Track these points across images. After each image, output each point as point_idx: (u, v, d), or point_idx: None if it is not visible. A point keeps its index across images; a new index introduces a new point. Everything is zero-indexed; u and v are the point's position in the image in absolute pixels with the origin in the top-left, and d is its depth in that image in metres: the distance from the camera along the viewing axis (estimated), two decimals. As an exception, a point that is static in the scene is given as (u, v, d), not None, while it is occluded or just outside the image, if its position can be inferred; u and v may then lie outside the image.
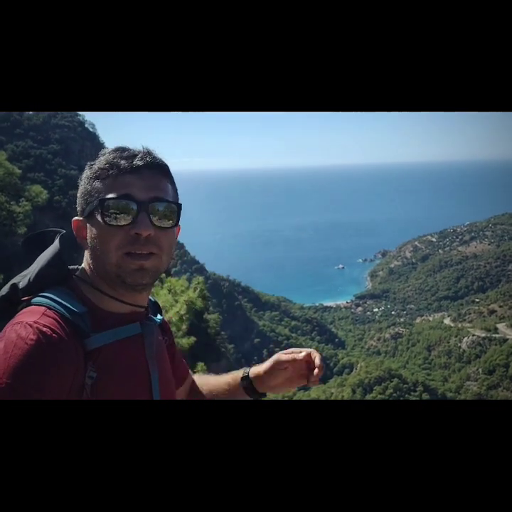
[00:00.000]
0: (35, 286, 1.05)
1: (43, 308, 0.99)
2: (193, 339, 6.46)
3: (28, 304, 1.02)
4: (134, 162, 1.04)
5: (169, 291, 5.93)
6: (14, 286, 1.06)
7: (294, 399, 49.80)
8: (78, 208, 1.10)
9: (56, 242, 1.10)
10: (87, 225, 1.07)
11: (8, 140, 41.81)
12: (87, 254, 1.10)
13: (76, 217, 1.10)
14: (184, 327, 5.68)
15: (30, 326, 0.93)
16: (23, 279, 1.07)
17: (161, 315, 1.28)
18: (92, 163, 1.08)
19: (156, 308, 1.30)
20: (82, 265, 1.12)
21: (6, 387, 0.86)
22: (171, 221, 1.07)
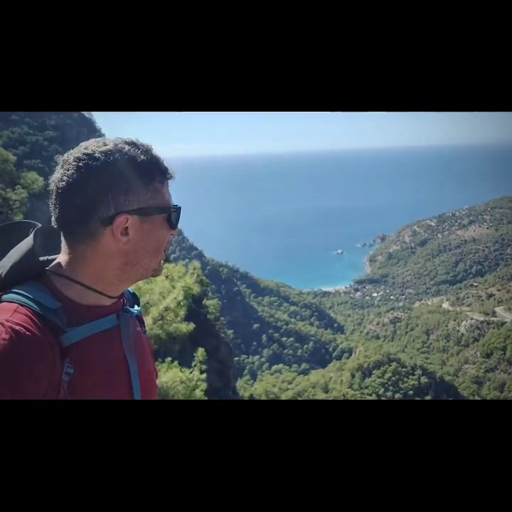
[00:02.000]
0: (7, 282, 1.01)
1: (15, 305, 0.96)
2: (192, 326, 6.46)
3: (0, 300, 0.99)
4: (170, 173, 1.10)
5: (167, 277, 5.93)
6: None
7: (294, 383, 50.22)
8: (128, 203, 1.03)
9: (30, 237, 1.06)
10: (137, 223, 1.04)
11: (4, 126, 41.47)
12: (119, 250, 1.05)
13: (126, 214, 1.03)
14: (182, 313, 5.68)
15: (2, 324, 0.90)
16: None
17: (139, 306, 1.26)
18: (144, 159, 1.05)
19: (134, 299, 1.28)
20: (59, 259, 1.08)
21: None
22: None
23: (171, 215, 1.09)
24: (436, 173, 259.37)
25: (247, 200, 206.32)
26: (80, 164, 0.99)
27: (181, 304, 5.65)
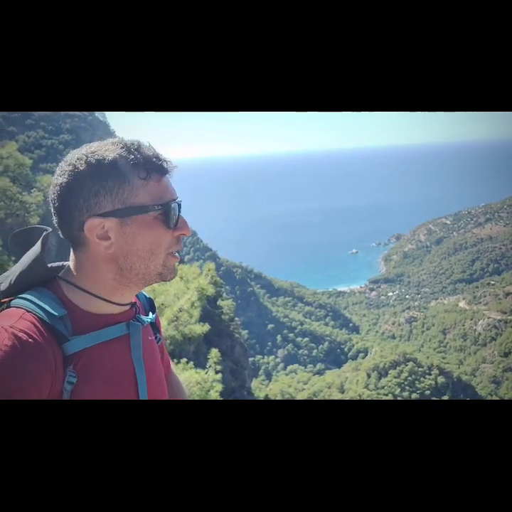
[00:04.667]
0: (16, 288, 1.01)
1: (22, 311, 0.96)
2: (207, 327, 6.45)
3: (8, 305, 0.99)
4: (168, 165, 1.03)
5: (181, 278, 5.95)
6: None
7: (309, 383, 50.04)
8: (100, 206, 0.99)
9: (38, 242, 1.05)
10: (120, 225, 1.00)
11: (20, 131, 42.01)
12: (105, 255, 1.02)
13: (99, 218, 0.99)
14: (196, 314, 5.68)
15: (6, 330, 0.90)
16: (5, 280, 1.04)
17: (154, 312, 1.24)
18: (118, 157, 0.99)
19: (150, 305, 1.26)
20: (69, 265, 1.07)
21: None
22: None
23: (163, 212, 1.01)
24: (452, 171, 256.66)
25: (260, 200, 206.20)
26: (58, 172, 1.00)
27: (195, 304, 5.66)
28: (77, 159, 0.99)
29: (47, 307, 0.97)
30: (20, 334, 0.90)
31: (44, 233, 1.07)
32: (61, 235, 1.04)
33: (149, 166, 1.00)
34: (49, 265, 1.08)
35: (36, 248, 1.04)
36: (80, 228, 0.99)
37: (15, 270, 1.04)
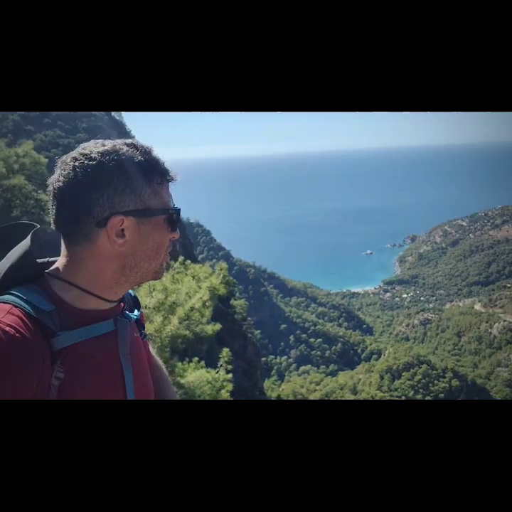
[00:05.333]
0: (5, 284, 1.00)
1: (9, 305, 0.94)
2: (218, 326, 6.43)
3: None
4: (170, 175, 1.08)
5: (193, 277, 5.94)
6: None
7: (322, 384, 49.86)
8: (123, 204, 1.01)
9: (27, 239, 1.03)
10: (133, 224, 1.02)
11: (37, 130, 42.50)
12: (115, 252, 1.03)
13: (121, 215, 1.00)
14: (207, 313, 5.65)
15: None
16: None
17: (139, 310, 1.23)
18: (143, 160, 1.03)
19: (134, 302, 1.24)
20: (58, 261, 1.06)
21: None
22: None
23: (170, 216, 1.06)
24: (468, 172, 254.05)
25: (275, 201, 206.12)
26: (76, 164, 0.98)
27: (207, 304, 5.63)
28: (102, 155, 0.99)
29: (35, 302, 0.97)
30: (8, 329, 0.90)
31: (34, 229, 1.06)
32: (57, 229, 1.03)
33: (163, 172, 1.06)
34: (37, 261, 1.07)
35: (25, 244, 1.03)
36: (97, 223, 0.99)
37: (2, 266, 1.02)
